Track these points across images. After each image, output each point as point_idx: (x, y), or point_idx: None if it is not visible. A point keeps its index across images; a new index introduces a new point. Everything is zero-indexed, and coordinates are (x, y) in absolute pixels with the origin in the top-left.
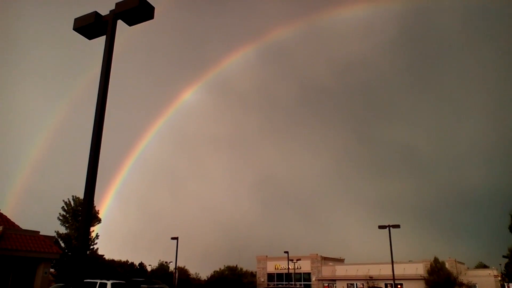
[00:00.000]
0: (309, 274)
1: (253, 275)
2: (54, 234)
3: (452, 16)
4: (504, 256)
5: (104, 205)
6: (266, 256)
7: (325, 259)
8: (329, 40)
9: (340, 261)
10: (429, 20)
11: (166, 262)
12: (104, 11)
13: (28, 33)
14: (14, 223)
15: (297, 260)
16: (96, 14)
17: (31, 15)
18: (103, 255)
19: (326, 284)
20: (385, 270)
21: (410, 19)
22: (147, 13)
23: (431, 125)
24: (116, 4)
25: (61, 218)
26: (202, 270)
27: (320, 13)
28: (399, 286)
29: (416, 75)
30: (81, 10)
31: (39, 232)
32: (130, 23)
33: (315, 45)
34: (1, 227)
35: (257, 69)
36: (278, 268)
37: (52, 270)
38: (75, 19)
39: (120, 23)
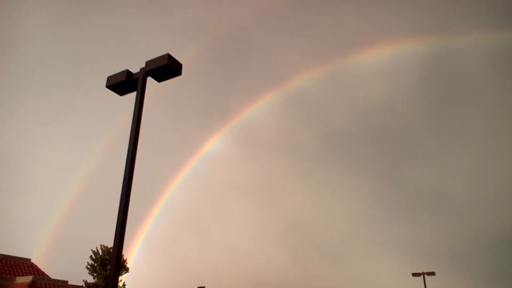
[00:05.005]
0: None
1: None
2: (82, 283)
3: (475, 57)
4: None
5: (131, 254)
6: None
7: None
8: (351, 85)
9: None
10: (452, 63)
11: None
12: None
13: (55, 80)
14: (44, 272)
15: None
16: (127, 72)
17: (60, 63)
18: None
19: None
20: None
21: (433, 62)
22: (175, 70)
23: (462, 167)
24: (146, 62)
25: (89, 267)
26: None
27: (342, 59)
28: None
29: (441, 117)
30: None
31: (67, 281)
32: (159, 79)
33: (338, 90)
34: (31, 277)
35: (281, 116)
36: None
37: None
38: (108, 77)
39: (148, 79)
